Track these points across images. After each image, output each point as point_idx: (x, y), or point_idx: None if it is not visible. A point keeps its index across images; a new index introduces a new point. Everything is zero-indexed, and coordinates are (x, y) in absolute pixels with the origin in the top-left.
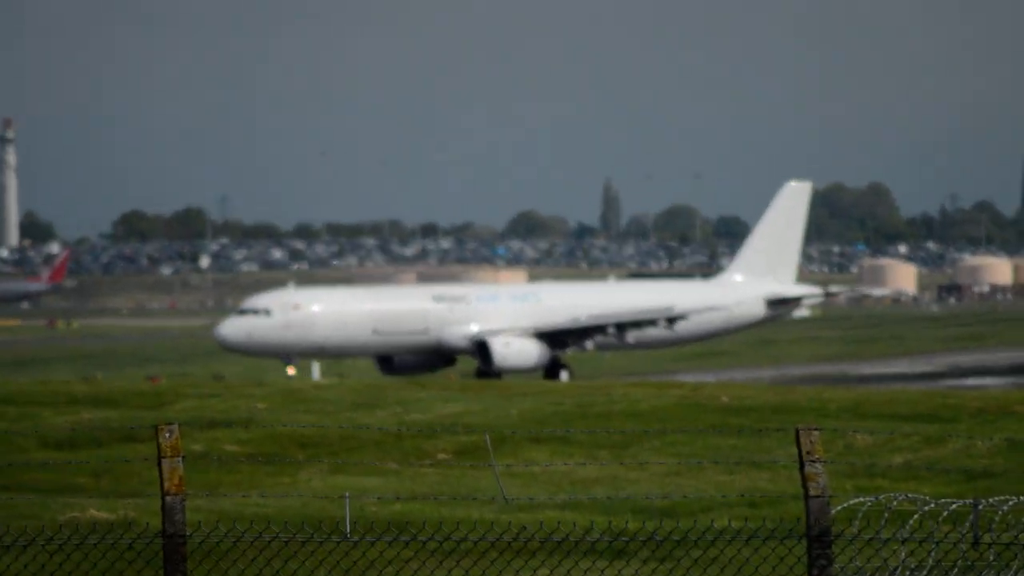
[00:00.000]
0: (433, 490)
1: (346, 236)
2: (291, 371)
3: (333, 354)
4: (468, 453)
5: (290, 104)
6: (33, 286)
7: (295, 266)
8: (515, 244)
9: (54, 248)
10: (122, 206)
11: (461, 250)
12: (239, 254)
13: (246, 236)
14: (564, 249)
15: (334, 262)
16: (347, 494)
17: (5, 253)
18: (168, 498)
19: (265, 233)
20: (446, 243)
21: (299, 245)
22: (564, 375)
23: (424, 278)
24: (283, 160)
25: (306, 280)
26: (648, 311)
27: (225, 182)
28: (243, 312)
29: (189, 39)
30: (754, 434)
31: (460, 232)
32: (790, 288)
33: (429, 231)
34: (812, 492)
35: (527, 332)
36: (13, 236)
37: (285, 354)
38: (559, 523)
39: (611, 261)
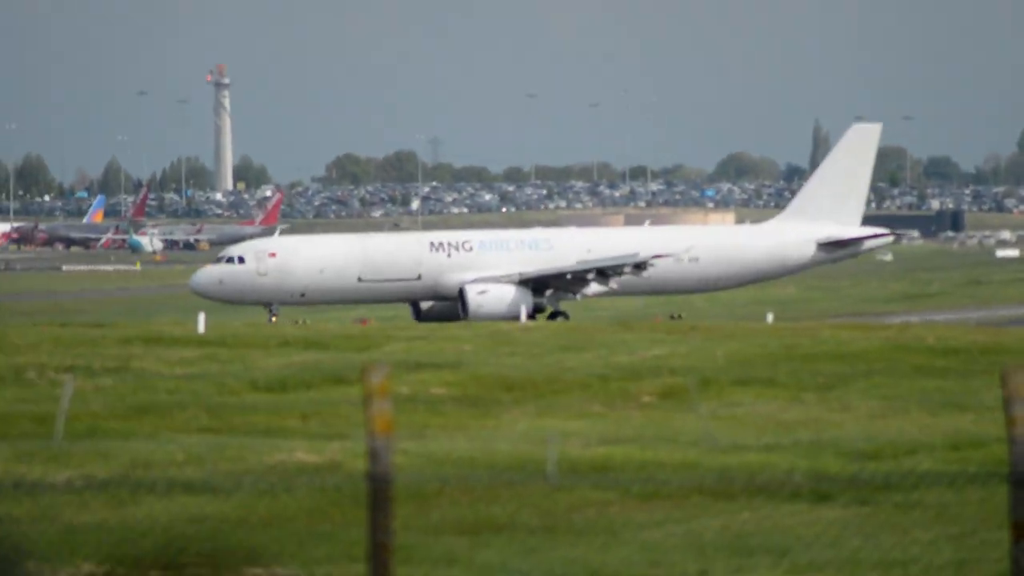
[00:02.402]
0: (638, 433)
1: (555, 179)
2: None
3: (317, 301)
4: (673, 396)
5: (498, 47)
6: (248, 229)
7: (504, 208)
8: (724, 186)
9: (267, 191)
10: (335, 149)
11: (670, 192)
12: (450, 197)
13: (456, 179)
14: (773, 191)
15: (543, 205)
16: (551, 437)
17: (220, 196)
18: (375, 440)
19: (475, 176)
20: (655, 185)
21: (509, 188)
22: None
23: (632, 220)
24: (493, 103)
25: (516, 222)
26: (615, 258)
27: (436, 125)
28: (219, 260)
29: None
30: (960, 376)
31: (669, 174)
32: (845, 230)
33: (638, 173)
34: (1017, 434)
35: (512, 280)
36: (228, 179)
37: (263, 302)
38: (762, 466)
39: None
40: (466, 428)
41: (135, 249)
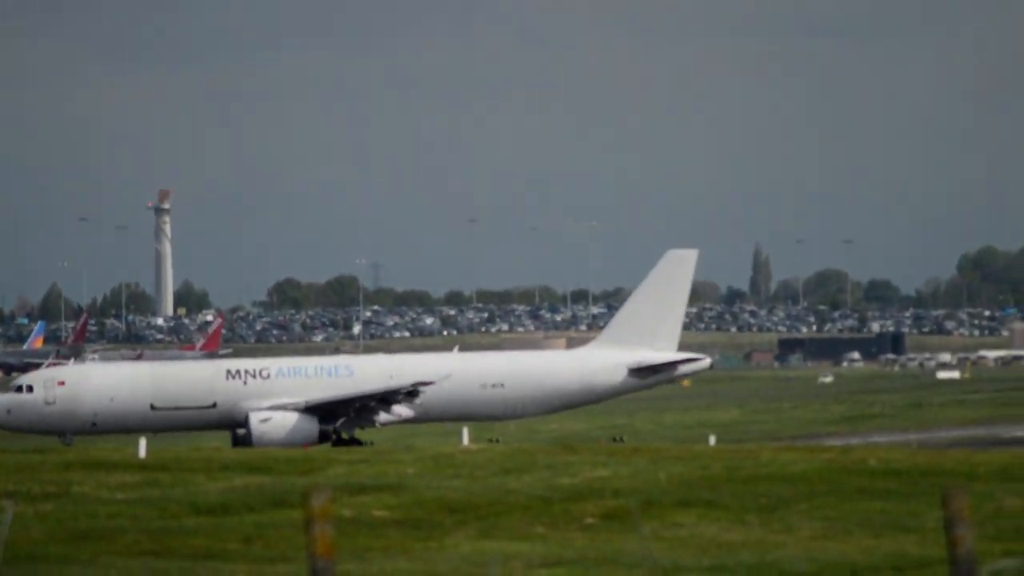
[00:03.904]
0: (581, 554)
1: (496, 303)
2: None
3: (110, 430)
4: (616, 517)
5: (439, 173)
6: (188, 355)
7: (446, 332)
8: None
9: (208, 316)
10: (276, 274)
11: (611, 315)
12: (391, 321)
13: (398, 303)
14: (715, 313)
15: (485, 328)
16: (492, 559)
17: (160, 321)
18: (317, 563)
19: (417, 300)
20: (596, 308)
21: (450, 312)
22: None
23: (573, 343)
24: (434, 228)
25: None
26: (383, 388)
27: (378, 250)
28: (9, 389)
29: (344, 105)
30: (902, 497)
31: (611, 298)
32: (659, 355)
33: (579, 296)
34: (959, 555)
35: (297, 407)
36: (169, 305)
37: (53, 431)
38: None
39: (761, 326)
40: (408, 551)
41: None
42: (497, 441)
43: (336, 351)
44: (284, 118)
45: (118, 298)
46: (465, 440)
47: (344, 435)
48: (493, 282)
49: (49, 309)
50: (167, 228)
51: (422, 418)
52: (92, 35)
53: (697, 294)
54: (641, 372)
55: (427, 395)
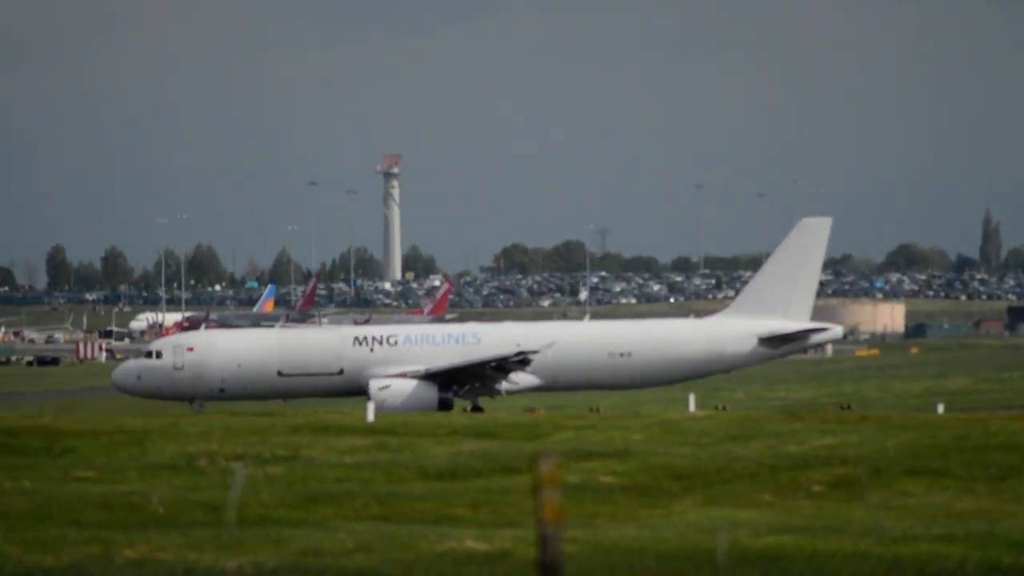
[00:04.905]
0: (808, 523)
1: (723, 269)
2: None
3: (238, 396)
4: (843, 486)
5: (666, 138)
6: (415, 319)
7: (672, 299)
8: (893, 276)
9: (436, 281)
10: (502, 239)
11: (839, 282)
12: (618, 287)
13: (624, 269)
14: (944, 281)
15: (712, 295)
16: (720, 526)
17: (388, 286)
18: (544, 529)
19: (643, 266)
20: (824, 275)
21: (677, 278)
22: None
23: None
24: (661, 193)
25: (684, 312)
26: (497, 354)
27: (604, 215)
28: (139, 355)
29: (573, 68)
30: None
31: (838, 264)
32: (790, 325)
33: None
34: None
35: (417, 374)
36: (397, 269)
37: (182, 397)
38: (934, 557)
39: (990, 293)
40: (634, 517)
41: None
42: (724, 408)
43: (563, 316)
44: (512, 83)
45: (347, 262)
46: (691, 407)
47: (467, 404)
48: (720, 248)
49: (279, 273)
50: (395, 193)
51: (550, 387)
52: None
53: (926, 261)
54: (772, 341)
55: (555, 364)
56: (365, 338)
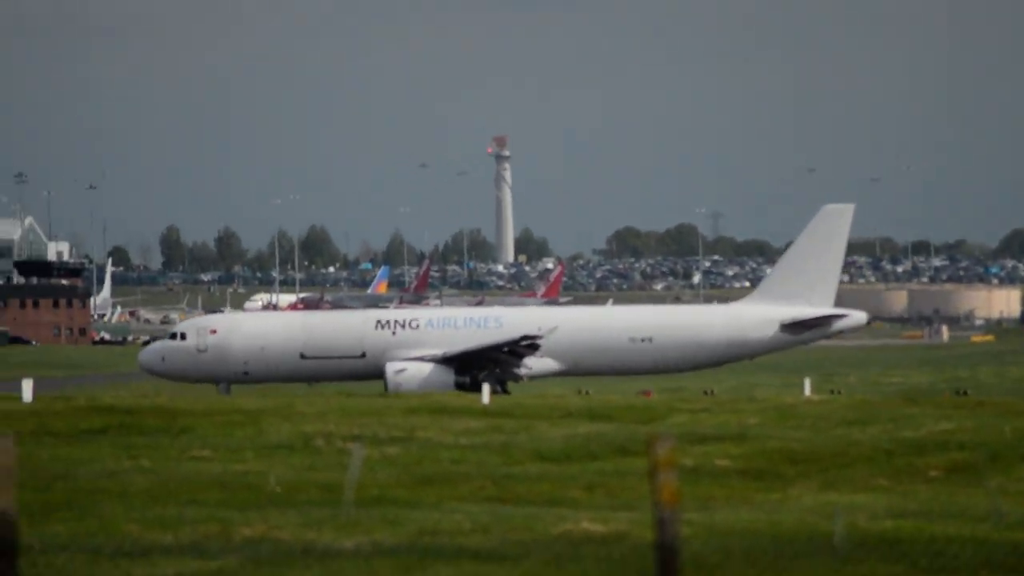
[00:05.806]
0: (925, 507)
1: None
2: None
3: (261, 379)
4: (961, 471)
5: (777, 120)
6: (529, 301)
7: None
8: (1008, 263)
9: (548, 263)
10: (615, 222)
11: (954, 268)
12: (731, 271)
13: (737, 253)
14: None
15: None
16: (838, 510)
17: (501, 268)
18: (662, 511)
19: (756, 250)
20: (938, 261)
21: None
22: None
23: (915, 296)
24: (773, 177)
25: None
26: (507, 339)
27: (717, 199)
28: (165, 337)
29: (683, 51)
30: None
31: (952, 250)
32: (813, 311)
33: (920, 248)
34: None
35: (435, 358)
36: (509, 252)
37: (206, 379)
38: None
39: None
40: (751, 501)
41: None
42: (839, 393)
43: (676, 300)
44: (625, 65)
45: (459, 244)
46: (807, 391)
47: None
48: None
49: (392, 254)
50: (507, 175)
51: (572, 371)
52: None
53: None
54: (794, 327)
55: (576, 348)
56: (387, 321)
